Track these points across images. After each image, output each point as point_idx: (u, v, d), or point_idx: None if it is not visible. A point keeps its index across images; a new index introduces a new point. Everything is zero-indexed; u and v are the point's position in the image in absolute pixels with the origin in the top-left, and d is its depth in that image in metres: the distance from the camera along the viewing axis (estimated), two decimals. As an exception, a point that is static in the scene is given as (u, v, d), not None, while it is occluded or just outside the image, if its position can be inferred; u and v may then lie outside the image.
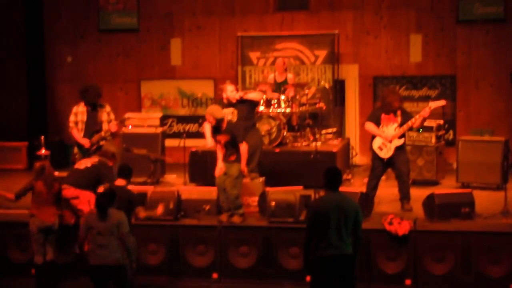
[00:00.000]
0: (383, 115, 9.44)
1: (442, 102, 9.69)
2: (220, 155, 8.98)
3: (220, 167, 8.93)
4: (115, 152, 9.58)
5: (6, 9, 14.70)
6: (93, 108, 10.07)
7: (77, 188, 8.79)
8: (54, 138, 14.07)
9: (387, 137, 9.35)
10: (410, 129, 9.59)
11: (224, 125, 8.86)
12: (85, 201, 8.74)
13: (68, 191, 8.81)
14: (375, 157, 9.52)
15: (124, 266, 7.36)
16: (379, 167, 9.51)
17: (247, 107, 9.97)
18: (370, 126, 9.51)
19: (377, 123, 9.45)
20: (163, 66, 14.70)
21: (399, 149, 9.36)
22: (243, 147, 8.81)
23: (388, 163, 9.48)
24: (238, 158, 8.81)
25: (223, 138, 8.84)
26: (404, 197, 9.42)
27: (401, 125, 9.35)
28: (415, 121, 9.33)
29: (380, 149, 9.44)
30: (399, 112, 9.41)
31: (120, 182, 8.19)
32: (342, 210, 6.42)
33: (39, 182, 8.50)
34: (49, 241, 8.56)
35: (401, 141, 9.35)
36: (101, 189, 8.10)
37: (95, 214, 7.35)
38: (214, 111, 8.90)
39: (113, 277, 7.34)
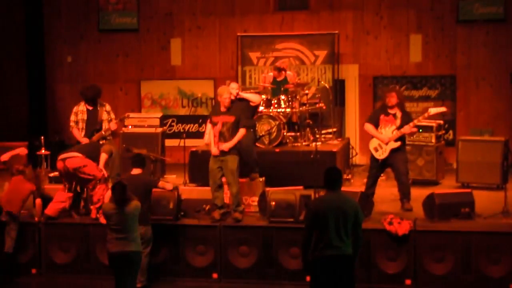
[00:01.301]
0: (382, 116, 9.44)
1: (442, 109, 9.72)
2: (213, 135, 8.98)
3: (215, 150, 8.92)
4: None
5: (6, 9, 14.70)
6: (94, 107, 10.09)
7: (85, 157, 9.05)
8: (54, 138, 14.08)
9: (383, 139, 9.35)
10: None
11: (229, 105, 8.94)
12: (94, 168, 9.02)
13: (75, 160, 9.00)
14: (372, 156, 9.55)
15: (140, 253, 7.52)
16: (375, 167, 9.54)
17: (242, 106, 9.98)
18: (368, 127, 9.54)
19: (376, 124, 9.46)
20: (163, 66, 14.71)
21: (396, 150, 9.34)
22: (241, 131, 8.87)
23: (386, 163, 9.48)
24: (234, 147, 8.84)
25: (224, 119, 8.83)
26: (404, 196, 9.42)
27: (399, 128, 9.33)
28: (412, 125, 9.30)
29: (376, 150, 9.46)
30: (399, 115, 9.37)
31: (135, 171, 8.37)
32: (341, 210, 6.40)
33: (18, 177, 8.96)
34: (7, 232, 8.81)
35: (397, 144, 9.31)
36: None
37: (113, 205, 7.42)
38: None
39: (128, 264, 7.44)
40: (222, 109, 8.91)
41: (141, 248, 7.57)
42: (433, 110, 9.42)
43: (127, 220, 7.33)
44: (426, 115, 9.34)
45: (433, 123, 11.35)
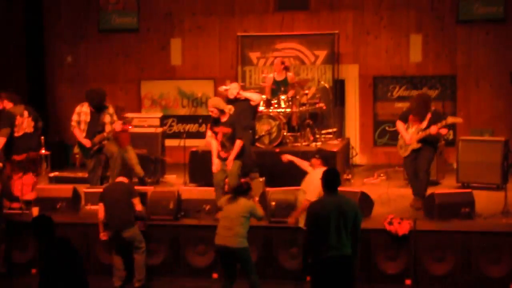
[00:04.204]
0: (411, 116, 9.50)
1: (459, 119, 9.78)
2: (215, 149, 9.09)
3: (216, 162, 9.07)
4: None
5: (6, 9, 14.69)
6: (97, 110, 10.10)
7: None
8: (54, 138, 14.07)
9: (405, 139, 9.45)
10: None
11: (226, 117, 9.06)
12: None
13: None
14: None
15: (245, 248, 7.64)
16: (405, 165, 9.69)
17: (243, 105, 9.99)
18: (398, 125, 9.70)
19: (406, 122, 9.57)
20: (163, 66, 14.70)
21: (419, 151, 9.34)
22: (238, 142, 8.95)
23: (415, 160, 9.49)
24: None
25: (223, 130, 8.91)
26: (416, 193, 9.40)
27: (424, 129, 9.31)
28: (431, 130, 9.25)
29: (400, 147, 9.63)
30: (428, 116, 9.33)
31: (121, 179, 8.58)
32: (342, 211, 6.39)
33: None
34: None
35: (419, 145, 9.32)
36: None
37: (227, 197, 7.74)
38: (217, 102, 9.15)
39: (236, 259, 7.66)
40: (221, 120, 9.08)
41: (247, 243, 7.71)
42: (450, 119, 9.39)
43: (240, 211, 7.68)
44: (444, 122, 9.26)
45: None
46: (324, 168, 7.80)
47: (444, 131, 9.35)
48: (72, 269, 5.79)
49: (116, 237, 8.30)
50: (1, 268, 8.94)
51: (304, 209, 7.71)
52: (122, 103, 14.04)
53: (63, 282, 5.70)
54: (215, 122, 9.15)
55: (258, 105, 10.80)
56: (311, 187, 7.80)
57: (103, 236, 8.42)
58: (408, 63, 13.93)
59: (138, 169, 10.55)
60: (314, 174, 7.94)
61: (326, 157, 8.23)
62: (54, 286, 5.71)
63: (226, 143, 9.03)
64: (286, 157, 9.03)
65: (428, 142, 9.38)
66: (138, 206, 8.42)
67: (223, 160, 9.07)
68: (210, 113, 9.15)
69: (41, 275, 5.89)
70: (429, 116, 9.33)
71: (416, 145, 9.35)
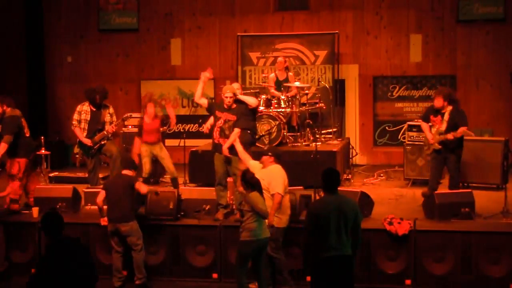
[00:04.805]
0: (431, 116, 9.50)
1: (471, 134, 9.55)
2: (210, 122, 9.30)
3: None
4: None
5: (6, 9, 14.71)
6: (97, 108, 10.11)
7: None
8: (54, 138, 14.09)
9: (428, 138, 9.48)
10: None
11: (235, 105, 8.98)
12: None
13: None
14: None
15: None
16: (431, 161, 9.73)
17: (241, 107, 9.98)
18: (421, 124, 9.80)
19: (427, 121, 9.59)
20: (163, 66, 14.71)
21: (440, 152, 9.33)
22: (236, 130, 8.86)
23: (443, 160, 9.47)
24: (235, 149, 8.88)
25: (228, 117, 8.89)
26: (431, 188, 9.44)
27: (445, 131, 9.25)
28: (448, 136, 9.23)
29: (425, 145, 9.73)
30: (447, 117, 9.29)
31: (126, 172, 8.46)
32: (342, 211, 6.40)
33: None
34: None
35: (439, 147, 9.32)
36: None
37: (258, 196, 7.60)
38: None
39: (265, 249, 7.71)
40: (226, 106, 8.94)
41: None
42: (463, 132, 9.25)
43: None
44: (458, 134, 9.21)
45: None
46: (278, 166, 8.00)
47: (460, 133, 9.27)
48: (77, 267, 5.76)
49: (115, 231, 8.29)
50: (0, 267, 8.94)
51: (278, 203, 7.84)
52: (122, 107, 14.09)
53: (66, 280, 5.68)
54: (220, 107, 9.05)
55: (256, 107, 10.77)
56: (274, 183, 7.85)
57: (103, 221, 8.41)
58: (408, 63, 13.94)
59: (172, 168, 10.30)
60: (271, 170, 7.99)
61: (278, 154, 8.20)
62: (56, 283, 5.68)
63: (227, 131, 8.89)
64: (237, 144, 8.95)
65: (450, 149, 9.33)
66: (142, 188, 8.36)
67: (219, 146, 8.92)
68: (226, 100, 8.90)
69: (37, 269, 5.83)
70: (448, 117, 9.24)
71: (436, 146, 9.35)
